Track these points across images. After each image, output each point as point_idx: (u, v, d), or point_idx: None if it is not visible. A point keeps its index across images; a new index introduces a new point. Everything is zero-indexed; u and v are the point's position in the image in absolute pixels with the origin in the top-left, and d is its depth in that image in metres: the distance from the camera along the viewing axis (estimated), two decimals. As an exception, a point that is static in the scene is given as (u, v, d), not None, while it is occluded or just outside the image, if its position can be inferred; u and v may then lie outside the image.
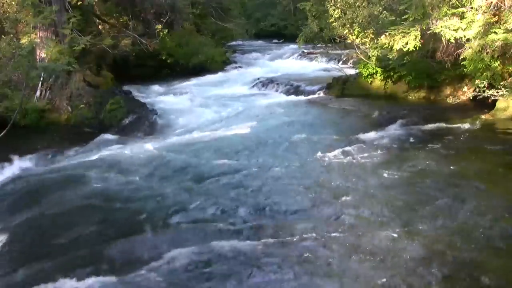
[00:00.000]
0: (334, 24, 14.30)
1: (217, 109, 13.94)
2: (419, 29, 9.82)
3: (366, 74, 14.26)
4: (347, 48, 19.00)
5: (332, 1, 14.23)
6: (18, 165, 9.66)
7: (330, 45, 17.27)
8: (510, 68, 10.40)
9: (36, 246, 6.52)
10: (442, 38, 9.90)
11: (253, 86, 17.11)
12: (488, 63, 10.15)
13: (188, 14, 21.81)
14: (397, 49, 10.30)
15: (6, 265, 6.01)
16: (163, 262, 5.76)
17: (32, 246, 6.52)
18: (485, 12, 9.41)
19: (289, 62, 22.30)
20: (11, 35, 12.81)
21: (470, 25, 9.59)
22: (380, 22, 12.32)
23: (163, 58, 19.00)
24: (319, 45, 17.66)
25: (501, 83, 10.47)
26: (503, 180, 7.74)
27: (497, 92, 10.56)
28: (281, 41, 30.53)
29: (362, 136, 10.14)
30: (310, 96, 15.29)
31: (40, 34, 13.20)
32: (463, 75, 11.67)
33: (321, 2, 15.09)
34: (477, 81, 10.72)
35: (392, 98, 13.78)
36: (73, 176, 8.83)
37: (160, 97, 15.54)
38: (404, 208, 6.84)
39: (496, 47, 9.65)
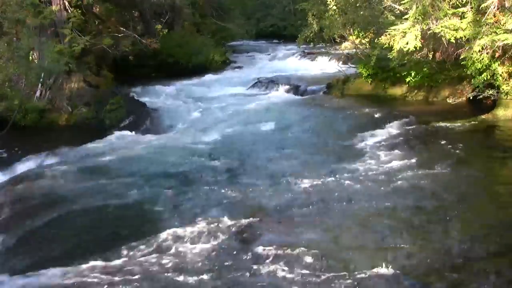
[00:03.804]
0: (334, 24, 14.29)
1: (216, 109, 13.93)
2: (419, 29, 9.81)
3: (366, 74, 14.24)
4: (347, 48, 19.04)
5: (333, 0, 14.22)
6: (18, 164, 9.67)
7: (330, 45, 17.26)
8: (510, 68, 10.39)
9: (35, 246, 6.54)
10: (442, 38, 9.89)
11: (253, 86, 17.09)
12: (488, 63, 10.15)
13: (188, 14, 21.81)
14: (397, 49, 10.30)
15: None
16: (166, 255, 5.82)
17: (30, 247, 6.53)
18: (485, 12, 9.40)
19: (289, 62, 22.26)
20: (10, 35, 12.82)
21: (470, 25, 9.58)
22: (380, 22, 12.31)
23: (163, 58, 19.02)
24: (319, 45, 17.65)
25: (501, 83, 10.47)
26: (503, 180, 7.74)
27: (497, 92, 10.56)
28: (281, 41, 30.50)
29: (362, 136, 10.12)
30: (310, 96, 15.27)
31: (40, 34, 13.20)
32: (463, 75, 11.66)
33: (322, 2, 15.09)
34: (477, 81, 10.71)
35: (392, 98, 13.76)
36: (73, 175, 8.82)
37: (160, 97, 15.52)
38: (405, 208, 6.84)
39: (496, 47, 9.64)
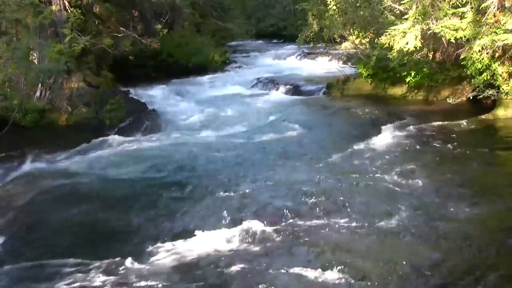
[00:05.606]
0: (334, 24, 14.28)
1: (216, 109, 13.93)
2: (419, 29, 9.81)
3: (366, 74, 14.24)
4: (347, 48, 19.03)
5: (333, 0, 14.22)
6: (18, 165, 9.66)
7: (330, 45, 17.25)
8: (510, 68, 10.39)
9: (33, 246, 6.55)
10: (442, 38, 9.89)
11: (253, 86, 17.09)
12: (488, 63, 10.15)
13: (188, 14, 21.81)
14: (397, 49, 10.30)
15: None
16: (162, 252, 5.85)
17: (30, 246, 6.54)
18: (485, 12, 9.40)
19: (289, 62, 22.26)
20: (10, 35, 12.81)
21: (470, 25, 9.58)
22: (380, 22, 12.31)
23: (163, 58, 19.02)
24: (319, 45, 17.65)
25: (501, 83, 10.46)
26: (504, 180, 7.73)
27: (497, 92, 10.55)
28: (281, 41, 30.50)
29: (363, 136, 10.11)
30: (310, 96, 15.27)
31: (40, 34, 13.20)
32: (463, 75, 11.65)
33: (322, 2, 15.08)
34: (477, 81, 10.70)
35: (392, 98, 13.76)
36: (73, 175, 8.82)
37: (160, 97, 15.53)
38: (404, 210, 6.83)
39: (496, 47, 9.64)
